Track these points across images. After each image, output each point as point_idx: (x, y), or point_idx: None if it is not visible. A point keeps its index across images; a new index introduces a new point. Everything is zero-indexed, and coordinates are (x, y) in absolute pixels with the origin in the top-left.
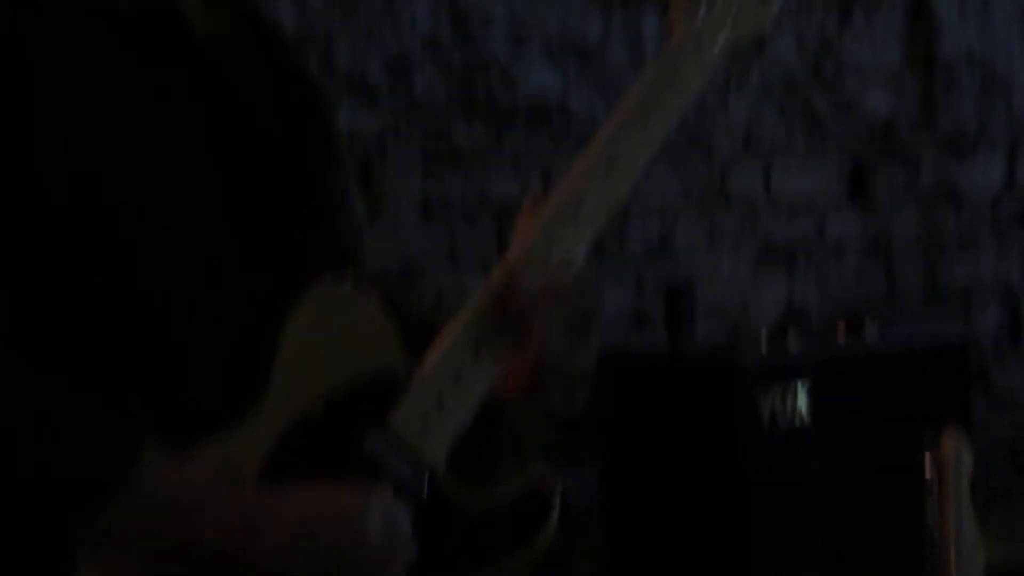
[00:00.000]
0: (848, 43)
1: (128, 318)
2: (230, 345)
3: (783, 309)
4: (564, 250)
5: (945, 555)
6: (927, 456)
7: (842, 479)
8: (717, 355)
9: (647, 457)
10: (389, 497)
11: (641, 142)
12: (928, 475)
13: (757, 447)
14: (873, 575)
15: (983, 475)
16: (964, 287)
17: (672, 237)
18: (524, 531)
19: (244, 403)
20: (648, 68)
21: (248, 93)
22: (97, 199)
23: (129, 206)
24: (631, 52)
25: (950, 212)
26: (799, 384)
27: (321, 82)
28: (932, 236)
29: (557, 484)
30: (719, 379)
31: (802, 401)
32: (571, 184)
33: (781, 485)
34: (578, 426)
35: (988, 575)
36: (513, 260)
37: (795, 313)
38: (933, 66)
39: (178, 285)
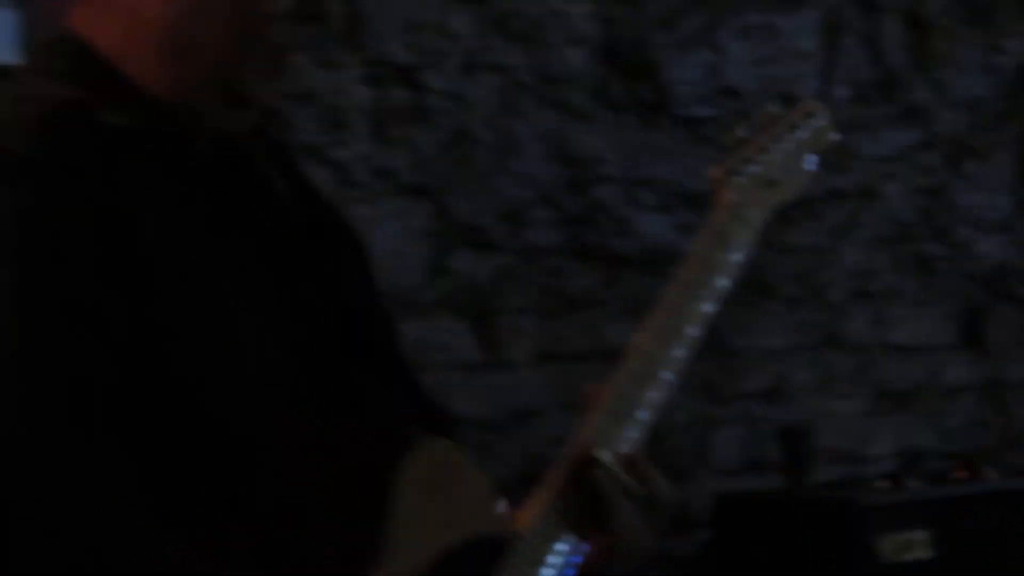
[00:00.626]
0: (959, 190)
1: (236, 485)
2: (339, 508)
3: (899, 452)
4: (625, 436)
5: None
6: None
7: None
8: (836, 495)
9: None
10: None
11: (695, 311)
12: None
13: None
14: None
15: None
16: None
17: (787, 380)
18: None
19: (357, 567)
20: (698, 236)
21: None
22: (209, 365)
23: (235, 369)
24: None
25: None
26: (919, 525)
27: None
28: None
29: None
30: (838, 519)
31: (922, 543)
32: (632, 366)
33: None
34: (698, 566)
35: None
36: (582, 446)
37: (911, 456)
38: None
39: (281, 453)
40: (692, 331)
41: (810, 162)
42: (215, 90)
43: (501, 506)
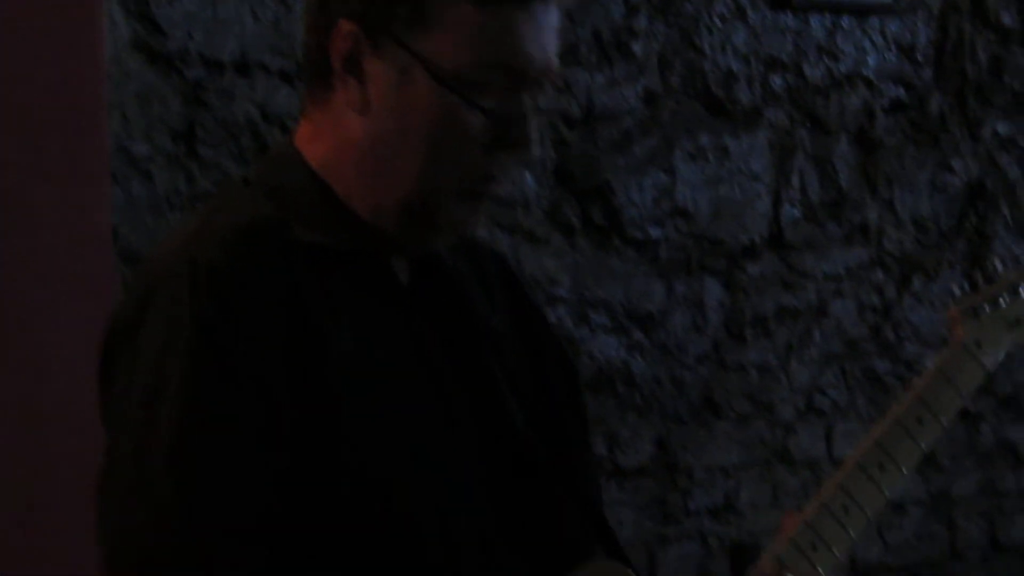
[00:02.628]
0: (908, 307)
1: None
2: None
3: (846, 567)
4: (808, 568)
5: None
6: None
7: None
8: None
9: None
10: None
11: (908, 451)
12: None
13: None
14: None
15: None
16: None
17: (737, 496)
18: None
19: None
20: (924, 373)
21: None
22: (381, 448)
23: (408, 480)
24: (693, 318)
25: (1009, 469)
26: None
27: (567, 350)
28: (992, 493)
29: None
30: None
31: None
32: (825, 499)
33: None
34: None
35: None
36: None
37: (859, 571)
38: None
39: (447, 560)
40: (898, 472)
41: None
42: (414, 213)
43: None
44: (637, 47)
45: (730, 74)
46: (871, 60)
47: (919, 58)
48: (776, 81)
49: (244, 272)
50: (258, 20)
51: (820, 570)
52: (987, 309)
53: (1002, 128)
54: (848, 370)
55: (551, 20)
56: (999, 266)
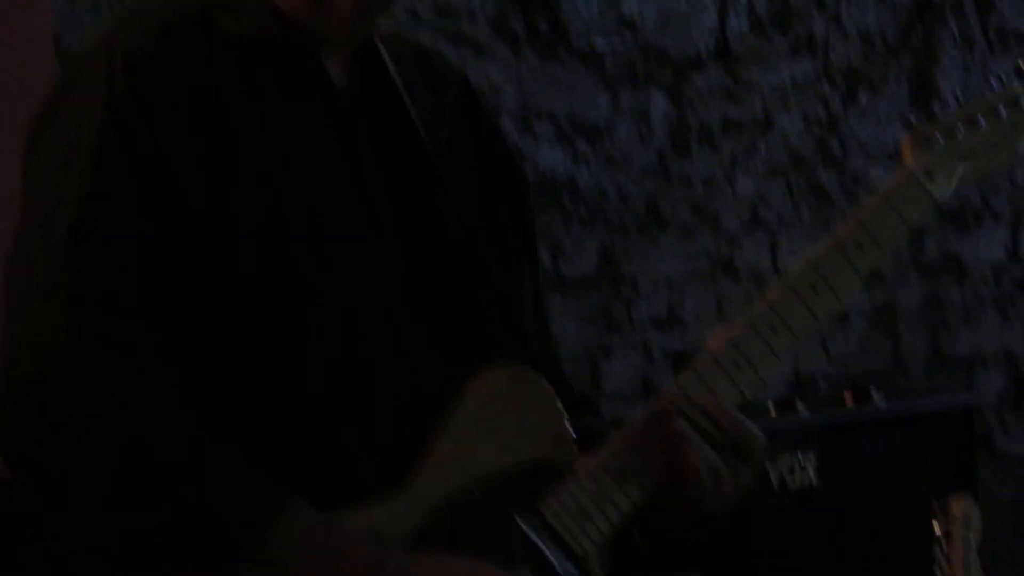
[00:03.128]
0: (853, 120)
1: (299, 374)
2: (397, 414)
3: (790, 378)
4: (720, 386)
5: None
6: (937, 518)
7: (850, 543)
8: None
9: None
10: None
11: (845, 276)
12: (937, 536)
13: (766, 511)
14: None
15: (987, 541)
16: (968, 356)
17: (681, 308)
18: None
19: (400, 471)
20: (869, 198)
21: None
22: (283, 245)
23: (317, 269)
24: (639, 129)
25: (953, 283)
26: (807, 449)
27: (516, 156)
28: (936, 306)
29: None
30: None
31: (810, 467)
32: (750, 318)
33: (789, 549)
34: None
35: None
36: (680, 383)
37: (801, 382)
38: None
39: (356, 353)
40: (831, 296)
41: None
42: (343, 9)
43: (571, 438)
44: None
45: None
46: None
47: None
48: None
49: (161, 59)
50: None
51: (740, 387)
52: (941, 140)
53: None
54: (793, 183)
55: None
56: (953, 99)
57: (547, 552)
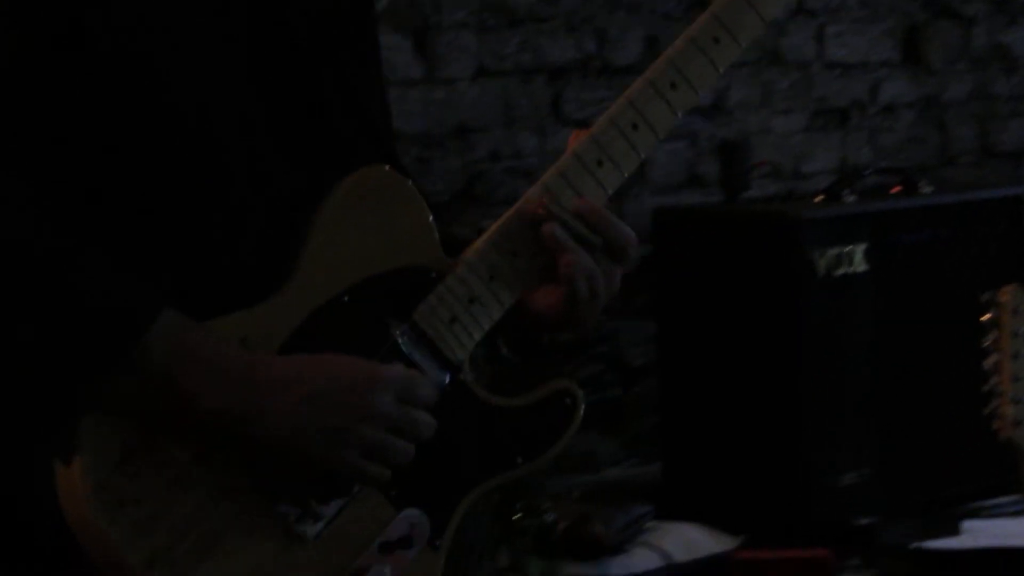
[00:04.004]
0: None
1: (158, 174)
2: (259, 221)
3: (836, 168)
4: (587, 186)
5: (1003, 400)
6: (985, 307)
7: (896, 330)
8: (773, 208)
9: (702, 310)
10: (407, 373)
11: (703, 71)
12: (985, 325)
13: (811, 298)
14: (925, 421)
15: None
16: (1016, 148)
17: (727, 96)
18: (548, 429)
19: (270, 279)
20: None
21: None
22: (144, 57)
23: (169, 64)
24: None
25: (1001, 74)
26: (854, 238)
27: None
28: (984, 98)
29: (580, 389)
30: (774, 232)
31: (857, 255)
32: (612, 114)
33: (834, 337)
34: (635, 281)
35: None
36: (545, 184)
37: (848, 171)
38: None
39: (212, 149)
40: (689, 91)
41: None
42: None
43: (438, 242)
44: None
45: None
46: None
47: None
48: None
49: None
50: None
51: (605, 187)
52: None
53: None
54: None
55: None
56: None
57: (420, 362)
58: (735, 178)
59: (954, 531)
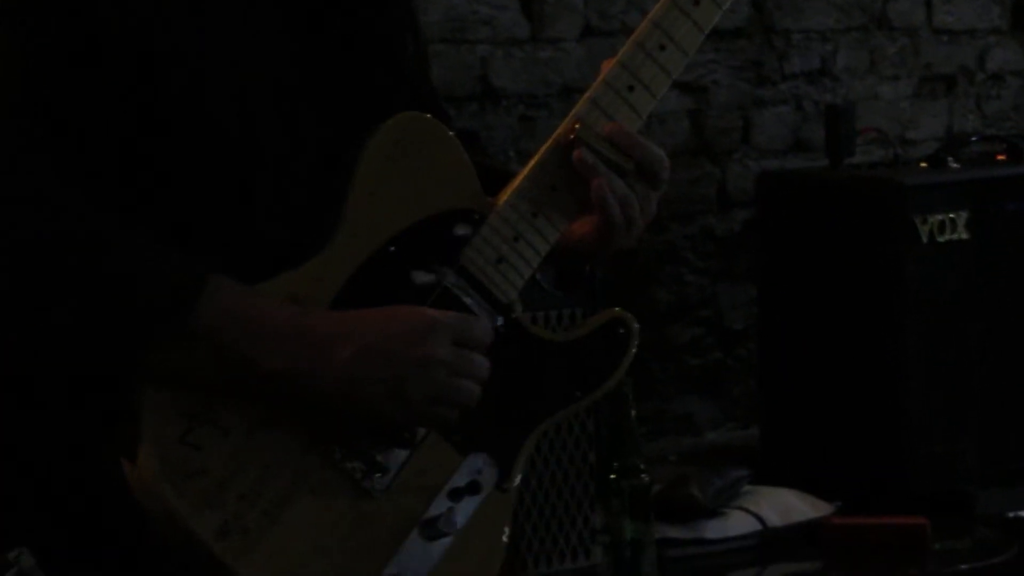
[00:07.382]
0: None
1: (196, 152)
2: (300, 181)
3: (942, 135)
4: (620, 112)
5: None
6: None
7: (997, 297)
8: (877, 174)
9: (804, 275)
10: (461, 317)
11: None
12: None
13: (914, 265)
14: None
15: None
16: None
17: (833, 61)
18: (604, 360)
19: (314, 238)
20: None
21: None
22: (165, 35)
23: (197, 42)
24: None
25: None
26: (958, 205)
27: None
28: None
29: (633, 319)
30: (878, 197)
31: (960, 222)
32: (640, 39)
33: (936, 303)
34: (737, 244)
35: None
36: (578, 114)
37: (954, 139)
38: None
39: (248, 120)
40: (712, 5)
41: None
42: None
43: (479, 184)
44: None
45: None
46: None
47: None
48: None
49: None
50: None
51: (637, 111)
52: None
53: None
54: None
55: None
56: None
57: (471, 305)
58: (840, 143)
59: None
